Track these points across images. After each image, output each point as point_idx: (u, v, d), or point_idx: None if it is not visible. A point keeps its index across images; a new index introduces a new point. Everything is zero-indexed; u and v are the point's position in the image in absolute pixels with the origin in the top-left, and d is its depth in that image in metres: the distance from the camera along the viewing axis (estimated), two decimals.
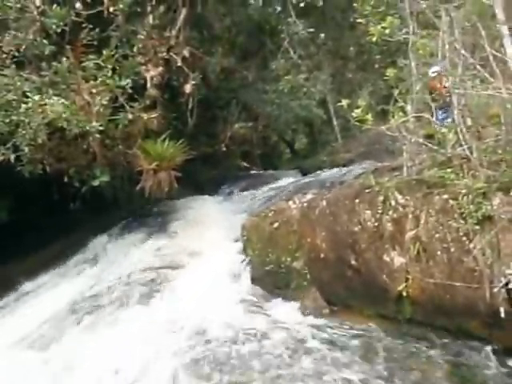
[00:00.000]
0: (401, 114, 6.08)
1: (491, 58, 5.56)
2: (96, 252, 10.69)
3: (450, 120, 6.60)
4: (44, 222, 10.63)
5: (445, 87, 6.51)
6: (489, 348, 5.11)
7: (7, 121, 8.03)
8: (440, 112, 6.94)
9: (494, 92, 5.61)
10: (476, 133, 5.82)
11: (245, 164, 19.19)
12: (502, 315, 4.81)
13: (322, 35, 15.54)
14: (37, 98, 8.13)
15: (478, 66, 5.77)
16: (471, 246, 5.14)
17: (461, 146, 5.69)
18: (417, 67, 6.33)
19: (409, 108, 6.39)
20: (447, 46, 5.90)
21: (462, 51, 5.78)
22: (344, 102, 6.12)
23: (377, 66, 14.77)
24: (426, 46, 5.89)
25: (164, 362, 5.69)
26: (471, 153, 5.54)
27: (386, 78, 6.44)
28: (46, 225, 10.65)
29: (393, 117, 6.04)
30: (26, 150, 8.23)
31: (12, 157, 8.21)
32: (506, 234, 4.91)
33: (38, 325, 7.43)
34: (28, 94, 8.28)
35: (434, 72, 6.95)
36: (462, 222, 5.23)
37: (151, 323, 6.64)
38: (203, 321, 6.43)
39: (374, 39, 6.24)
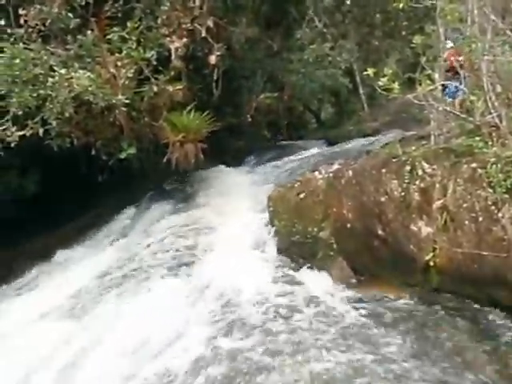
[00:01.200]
0: (428, 82, 5.99)
1: None
2: (125, 223, 10.86)
3: (460, 94, 6.52)
4: (72, 195, 10.81)
5: (457, 61, 6.40)
6: None
7: (35, 95, 8.12)
8: (452, 86, 6.84)
9: None
10: (506, 100, 5.71)
11: (271, 134, 19.15)
12: None
13: (348, 2, 15.30)
14: (63, 71, 8.19)
15: (508, 32, 5.63)
16: (500, 215, 5.08)
17: (490, 113, 5.60)
18: (445, 33, 6.21)
19: (436, 76, 6.29)
20: (476, 11, 5.77)
21: (492, 16, 5.65)
22: (370, 71, 6.05)
23: (404, 33, 14.54)
24: (455, 12, 5.76)
25: (195, 329, 5.79)
26: (500, 121, 5.46)
27: (413, 45, 6.33)
28: (74, 197, 10.84)
29: (420, 85, 5.96)
30: (54, 123, 8.33)
31: (41, 131, 8.32)
32: None
33: (70, 295, 7.61)
34: (54, 67, 8.34)
35: (449, 46, 6.87)
36: (491, 191, 5.16)
37: (181, 292, 6.76)
38: (232, 290, 6.51)
39: (401, 5, 6.14)
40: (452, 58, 6.56)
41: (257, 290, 6.43)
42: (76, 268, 8.90)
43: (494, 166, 5.18)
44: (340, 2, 13.81)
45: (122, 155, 9.45)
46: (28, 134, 8.22)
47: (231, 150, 15.15)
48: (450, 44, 7.30)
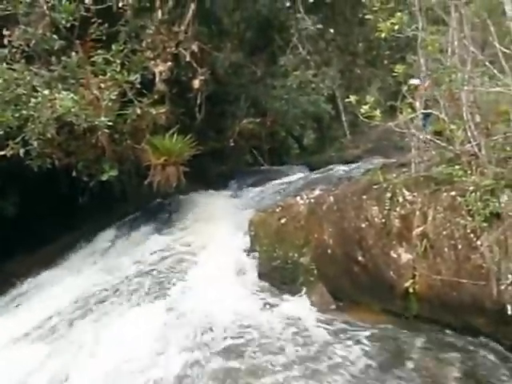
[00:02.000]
0: (409, 110, 6.07)
1: (500, 54, 5.54)
2: (104, 246, 10.76)
3: (427, 128, 6.67)
4: (52, 216, 10.70)
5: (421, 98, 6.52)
6: (495, 345, 5.11)
7: (17, 115, 8.06)
8: (423, 121, 6.97)
9: (503, 89, 5.59)
10: (484, 130, 5.81)
11: (253, 159, 19.19)
12: (509, 312, 4.80)
13: (331, 31, 15.53)
14: (46, 92, 8.15)
15: (487, 63, 5.75)
16: (478, 243, 5.13)
17: (469, 142, 5.68)
18: (426, 63, 6.31)
19: (417, 104, 6.38)
20: (456, 43, 5.89)
21: (471, 48, 5.76)
22: (352, 98, 6.13)
23: (386, 61, 14.80)
24: (436, 42, 5.87)
25: (173, 356, 5.72)
26: (479, 150, 5.54)
27: (394, 74, 6.41)
28: (54, 219, 10.72)
29: (401, 113, 6.04)
30: (35, 144, 8.26)
31: (21, 151, 8.25)
32: None
33: (45, 318, 7.49)
34: (37, 88, 8.30)
35: (412, 84, 7.01)
36: (470, 219, 5.22)
37: (159, 318, 6.67)
38: (211, 315, 6.46)
39: (383, 35, 6.22)
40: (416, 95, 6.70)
41: (236, 316, 6.38)
42: (54, 290, 8.77)
43: (473, 194, 5.24)
44: (324, 31, 13.98)
45: (104, 177, 9.38)
46: (8, 155, 8.14)
47: (213, 174, 15.14)
48: (415, 81, 7.45)
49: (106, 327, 6.66)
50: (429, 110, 6.33)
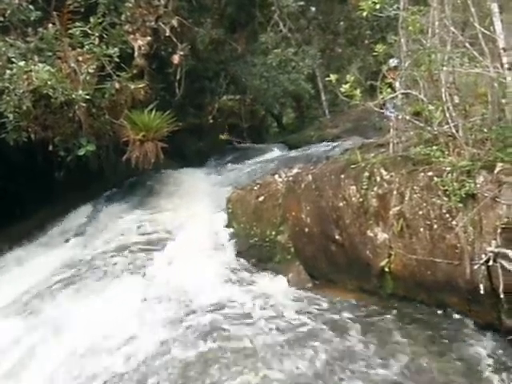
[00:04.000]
0: (389, 90, 6.07)
1: (480, 36, 5.56)
2: (80, 222, 10.67)
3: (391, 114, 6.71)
4: (28, 192, 10.57)
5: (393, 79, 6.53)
6: (468, 323, 5.21)
7: None
8: (391, 105, 6.98)
9: (482, 71, 5.61)
10: (463, 111, 5.83)
11: (232, 137, 19.12)
12: (482, 292, 4.88)
13: (313, 9, 15.42)
14: (22, 64, 8.02)
15: (467, 44, 5.76)
16: (454, 223, 5.19)
17: (447, 123, 5.70)
18: (406, 43, 6.30)
19: (397, 84, 6.38)
20: (437, 23, 5.88)
21: (452, 28, 5.76)
22: (332, 77, 6.11)
23: (366, 41, 14.75)
24: (416, 23, 5.85)
25: (150, 332, 5.72)
26: (457, 131, 5.57)
27: (375, 53, 6.41)
28: (29, 194, 10.59)
29: (381, 93, 6.04)
30: (11, 116, 8.14)
31: None
32: (489, 211, 4.95)
33: (21, 293, 7.43)
34: (13, 59, 8.15)
35: (392, 64, 7.02)
36: (446, 199, 5.27)
37: (135, 293, 6.66)
38: (188, 292, 6.48)
39: (365, 14, 6.19)
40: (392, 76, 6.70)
41: (212, 293, 6.41)
42: (29, 265, 8.69)
43: (450, 175, 5.28)
44: (305, 8, 13.87)
45: (81, 152, 9.28)
46: None
47: (192, 150, 15.08)
48: (394, 62, 7.46)
49: (81, 303, 6.62)
50: (408, 91, 6.33)
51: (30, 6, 8.58)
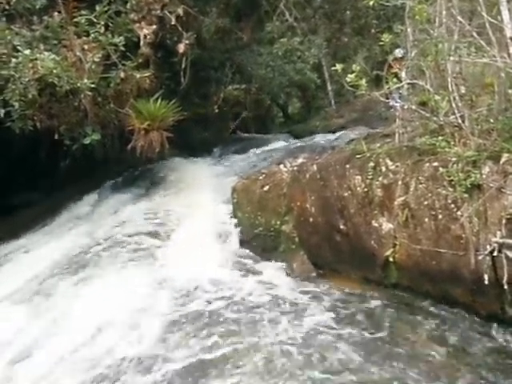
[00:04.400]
0: (395, 80, 6.05)
1: (488, 25, 5.51)
2: (85, 211, 10.68)
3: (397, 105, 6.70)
4: (33, 180, 10.59)
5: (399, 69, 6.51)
6: (472, 314, 5.21)
7: None
8: (397, 95, 6.96)
9: (489, 60, 5.58)
10: (469, 101, 5.81)
11: (237, 126, 19.12)
12: (486, 282, 4.88)
13: None
14: (27, 52, 7.99)
15: (474, 34, 5.72)
16: (459, 213, 5.18)
17: (453, 114, 5.68)
18: (413, 33, 6.27)
19: (403, 74, 6.36)
20: (444, 13, 5.84)
21: (459, 18, 5.72)
22: (338, 67, 6.07)
23: (373, 31, 14.67)
24: (423, 12, 5.81)
25: (152, 320, 5.76)
26: (463, 121, 5.55)
27: (381, 43, 6.36)
28: (35, 183, 10.62)
29: (387, 83, 6.02)
30: (16, 105, 8.11)
31: (1, 112, 8.11)
32: (494, 202, 4.95)
33: (26, 281, 7.46)
34: (18, 48, 8.14)
35: (398, 54, 7.00)
36: (451, 189, 5.26)
37: (140, 281, 6.70)
38: (192, 281, 6.51)
39: (371, 3, 6.17)
40: (397, 69, 6.68)
41: (217, 282, 6.45)
42: (35, 253, 8.72)
43: (455, 165, 5.27)
44: None
45: (86, 141, 9.26)
46: None
47: (197, 140, 15.05)
48: (400, 52, 7.44)
49: (86, 291, 6.66)
50: (414, 81, 6.30)
51: None
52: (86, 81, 8.39)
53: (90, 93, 8.63)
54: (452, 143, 5.56)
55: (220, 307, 5.83)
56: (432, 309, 5.48)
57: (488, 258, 4.88)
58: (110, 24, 9.16)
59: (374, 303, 5.72)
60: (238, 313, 5.70)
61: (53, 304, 6.54)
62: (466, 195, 5.14)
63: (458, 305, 5.34)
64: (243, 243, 7.39)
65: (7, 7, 8.40)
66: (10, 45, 8.10)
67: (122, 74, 9.27)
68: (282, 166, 7.63)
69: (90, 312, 6.03)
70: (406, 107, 6.41)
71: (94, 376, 5.02)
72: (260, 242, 7.23)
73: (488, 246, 4.88)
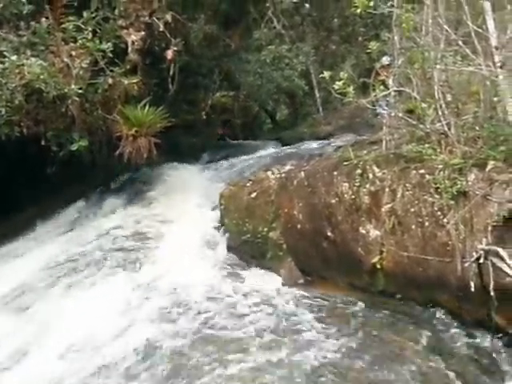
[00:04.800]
0: (382, 87, 6.09)
1: (473, 34, 5.57)
2: (72, 218, 10.63)
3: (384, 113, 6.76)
4: (19, 187, 10.51)
5: (386, 76, 6.58)
6: (458, 321, 5.24)
7: None
8: (384, 103, 7.02)
9: (474, 69, 5.63)
10: (455, 109, 5.85)
11: (225, 133, 19.13)
12: (472, 289, 4.90)
13: (307, 5, 15.41)
14: (14, 58, 7.96)
15: (460, 42, 5.77)
16: (445, 220, 5.21)
17: (439, 121, 5.72)
18: (400, 41, 6.31)
19: (390, 82, 6.40)
20: (431, 21, 5.89)
21: (445, 26, 5.78)
22: (326, 74, 6.10)
23: (360, 38, 14.78)
24: (410, 20, 5.86)
25: (139, 327, 5.74)
26: (449, 129, 5.58)
27: (368, 51, 6.41)
28: (21, 190, 10.54)
29: (374, 90, 6.05)
30: (3, 111, 8.07)
31: None
32: (480, 209, 4.98)
33: (12, 288, 7.40)
34: (5, 53, 8.10)
35: (385, 62, 7.05)
36: (438, 196, 5.29)
37: (126, 289, 6.67)
38: (179, 287, 6.49)
39: (359, 11, 6.18)
40: (384, 76, 6.74)
41: (203, 288, 6.43)
42: (20, 260, 8.65)
43: (442, 172, 5.31)
44: (299, 5, 13.86)
45: (74, 147, 9.22)
46: None
47: (185, 146, 15.02)
48: (387, 60, 7.51)
49: (71, 300, 6.63)
50: (401, 88, 6.34)
51: (23, 0, 8.52)
52: (73, 87, 8.37)
53: (77, 99, 8.61)
54: (438, 150, 5.60)
55: (207, 315, 5.81)
56: (418, 315, 5.49)
57: (474, 264, 4.90)
58: (98, 30, 9.15)
59: (361, 310, 5.72)
60: (224, 320, 5.68)
61: (38, 313, 6.48)
62: (452, 202, 5.17)
63: (445, 311, 5.36)
64: (231, 249, 7.39)
65: None
66: None
67: (110, 80, 9.25)
68: (269, 172, 7.63)
69: (74, 323, 5.98)
70: (393, 114, 6.45)
71: None
72: (248, 248, 7.22)
73: (474, 253, 4.90)
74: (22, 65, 7.95)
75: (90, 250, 8.20)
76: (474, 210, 5.01)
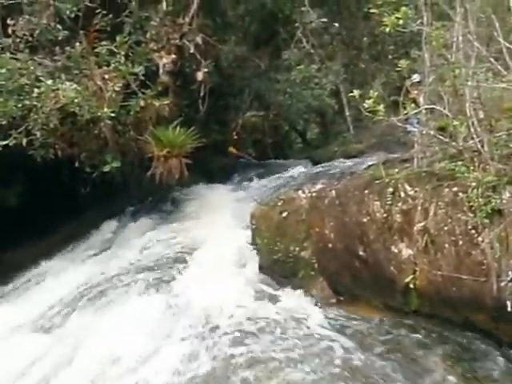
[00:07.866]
0: (413, 105, 6.06)
1: (505, 50, 5.52)
2: (105, 238, 10.78)
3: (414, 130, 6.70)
4: (54, 207, 10.71)
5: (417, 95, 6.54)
6: (495, 341, 5.12)
7: (20, 105, 8.09)
8: (415, 121, 6.96)
9: (507, 85, 5.57)
10: (488, 126, 5.78)
11: (256, 153, 19.22)
12: (509, 309, 4.80)
13: (336, 25, 15.44)
14: (49, 82, 8.18)
15: (491, 59, 5.72)
16: (479, 239, 5.12)
17: (472, 139, 5.65)
18: (430, 58, 6.28)
19: (421, 99, 6.36)
20: (461, 38, 5.85)
21: (476, 43, 5.73)
22: (356, 93, 6.09)
23: (390, 56, 14.73)
24: (440, 38, 5.83)
25: (171, 348, 5.74)
26: (482, 146, 5.50)
27: (398, 69, 6.39)
28: (56, 210, 10.73)
29: (404, 108, 6.02)
30: (38, 134, 8.29)
31: (24, 141, 8.26)
32: None
33: (44, 309, 7.51)
34: (41, 78, 8.32)
35: (416, 79, 7.01)
36: (471, 215, 5.21)
37: (159, 309, 6.68)
38: (211, 307, 6.47)
39: (388, 30, 6.18)
40: (415, 94, 6.71)
41: (235, 309, 6.39)
42: (54, 280, 8.80)
43: (475, 190, 5.22)
44: (328, 25, 13.90)
45: (106, 168, 9.39)
46: (11, 144, 8.16)
47: (216, 166, 15.14)
48: (417, 78, 7.47)
49: (105, 318, 6.67)
50: (432, 106, 6.29)
51: (58, 26, 8.77)
52: (106, 109, 8.55)
53: (110, 121, 8.79)
54: (471, 168, 5.52)
55: (238, 335, 5.77)
56: (453, 336, 5.38)
57: (510, 284, 4.81)
58: (130, 54, 9.35)
59: (395, 330, 5.64)
60: (257, 341, 5.64)
61: (69, 334, 6.54)
62: (486, 221, 5.08)
63: (480, 332, 5.25)
64: (262, 269, 7.35)
65: (30, 39, 8.62)
66: (32, 75, 8.30)
67: (142, 103, 9.42)
68: (300, 191, 7.60)
69: (110, 340, 6.02)
70: (424, 132, 6.39)
71: None
72: (279, 268, 7.19)
73: (510, 272, 4.81)
74: (57, 89, 8.16)
75: (123, 270, 8.26)
76: (509, 228, 4.92)
